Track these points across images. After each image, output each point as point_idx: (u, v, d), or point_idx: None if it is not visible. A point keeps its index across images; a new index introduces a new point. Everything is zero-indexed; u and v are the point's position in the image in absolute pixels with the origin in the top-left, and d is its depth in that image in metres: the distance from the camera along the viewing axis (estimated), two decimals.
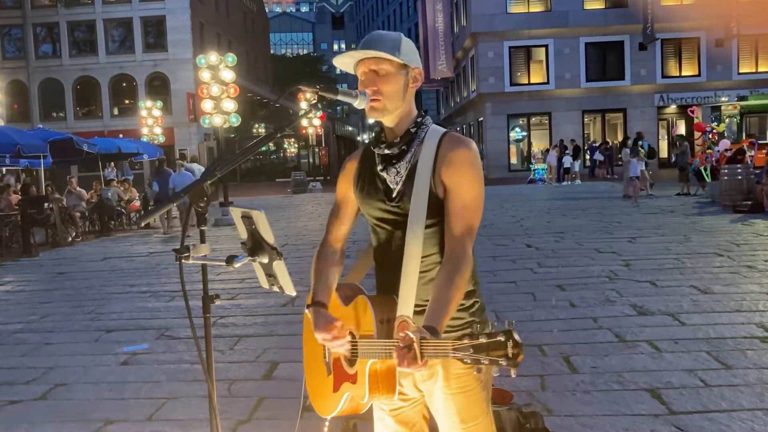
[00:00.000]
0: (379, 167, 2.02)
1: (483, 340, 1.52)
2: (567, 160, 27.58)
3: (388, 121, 2.02)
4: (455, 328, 1.96)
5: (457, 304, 1.86)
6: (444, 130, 2.02)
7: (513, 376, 1.55)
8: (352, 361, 1.96)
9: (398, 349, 1.68)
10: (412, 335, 1.65)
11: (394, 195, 1.99)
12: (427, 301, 1.86)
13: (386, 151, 2.01)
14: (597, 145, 30.97)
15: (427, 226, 1.95)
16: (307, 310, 2.06)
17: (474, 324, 1.60)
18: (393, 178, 1.99)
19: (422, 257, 1.95)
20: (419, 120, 2.02)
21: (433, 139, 1.98)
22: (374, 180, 2.04)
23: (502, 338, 1.50)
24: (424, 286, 1.94)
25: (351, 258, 2.35)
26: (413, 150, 1.99)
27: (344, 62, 2.04)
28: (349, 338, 1.97)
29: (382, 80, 1.96)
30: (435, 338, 1.65)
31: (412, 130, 2.00)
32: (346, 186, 2.15)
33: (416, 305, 1.92)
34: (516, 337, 1.50)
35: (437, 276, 1.88)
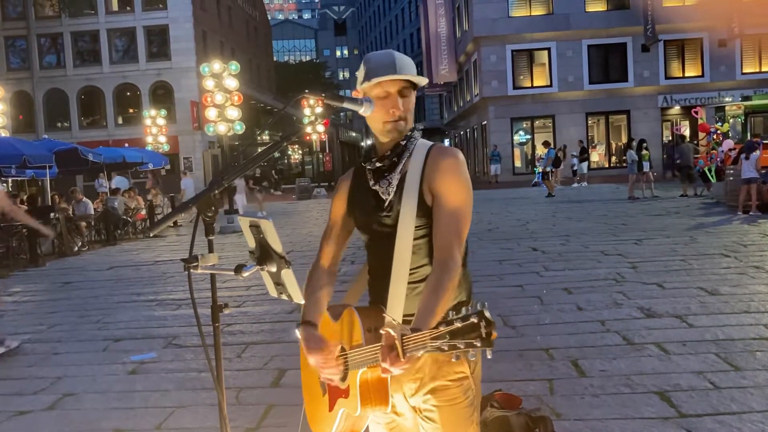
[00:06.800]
0: (371, 182, 2.06)
1: (458, 324, 1.52)
2: (574, 162, 27.55)
3: (383, 137, 2.06)
4: None
5: (446, 308, 1.84)
6: (431, 143, 2.07)
7: (489, 357, 1.54)
8: (343, 375, 1.95)
9: (382, 348, 1.69)
10: (393, 333, 1.66)
11: (385, 205, 2.01)
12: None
13: (377, 165, 2.05)
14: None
15: (417, 237, 1.96)
16: (297, 329, 2.07)
17: (448, 311, 1.61)
18: (385, 189, 2.02)
19: (413, 268, 1.96)
20: (408, 134, 2.07)
21: (422, 150, 2.03)
22: (367, 195, 2.07)
23: (475, 320, 1.50)
24: (414, 298, 1.93)
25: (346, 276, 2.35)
26: (403, 162, 2.03)
27: (377, 80, 2.01)
28: (339, 359, 1.97)
29: (406, 102, 2.02)
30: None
31: (402, 143, 2.04)
32: (339, 205, 2.18)
33: (404, 315, 1.92)
34: (487, 315, 1.50)
35: (426, 281, 1.89)
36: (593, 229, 12.91)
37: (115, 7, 39.78)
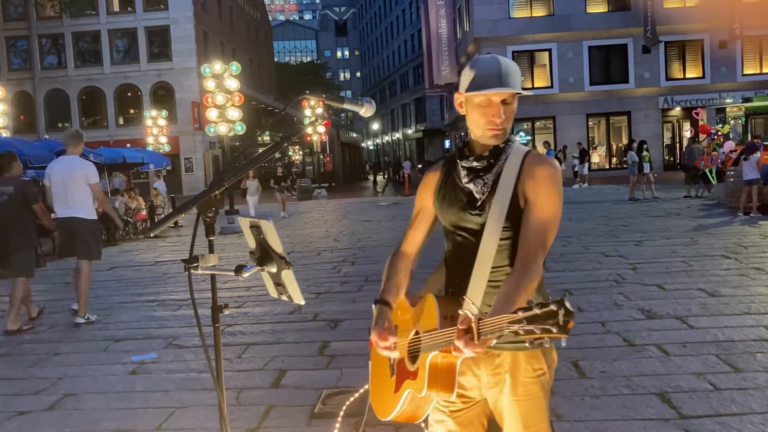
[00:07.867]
0: (465, 179, 2.10)
1: (536, 310, 1.54)
2: (575, 163, 27.58)
3: (482, 140, 2.09)
4: None
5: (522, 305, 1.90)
6: (527, 148, 2.11)
7: (563, 345, 1.56)
8: (413, 358, 2.00)
9: (458, 330, 1.72)
10: (471, 315, 1.70)
11: (478, 204, 2.06)
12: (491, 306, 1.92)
13: (474, 164, 2.09)
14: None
15: (503, 238, 2.01)
16: (374, 306, 2.11)
17: (529, 300, 1.65)
18: (480, 189, 2.07)
19: (495, 267, 2.01)
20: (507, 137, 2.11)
21: (518, 155, 2.08)
22: (456, 191, 2.12)
23: (554, 307, 1.53)
24: (492, 297, 1.98)
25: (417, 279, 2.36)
26: (500, 164, 2.07)
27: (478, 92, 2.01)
28: (404, 342, 2.03)
29: (508, 109, 2.04)
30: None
31: (501, 146, 2.08)
32: (425, 196, 2.23)
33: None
34: (567, 305, 1.52)
35: (507, 277, 1.95)
36: (594, 230, 12.91)
37: (116, 7, 39.85)
